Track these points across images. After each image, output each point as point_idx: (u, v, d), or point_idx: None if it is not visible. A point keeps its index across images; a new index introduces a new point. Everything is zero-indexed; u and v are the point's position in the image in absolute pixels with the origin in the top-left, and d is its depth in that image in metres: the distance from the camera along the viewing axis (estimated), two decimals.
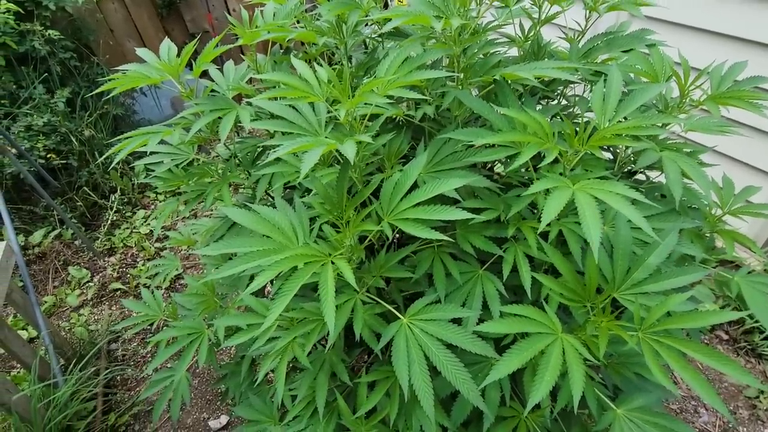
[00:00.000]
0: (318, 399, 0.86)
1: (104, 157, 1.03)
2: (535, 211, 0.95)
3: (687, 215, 1.03)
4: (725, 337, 2.07)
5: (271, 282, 1.36)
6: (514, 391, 0.92)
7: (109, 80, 1.01)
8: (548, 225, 0.89)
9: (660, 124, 0.85)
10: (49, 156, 2.85)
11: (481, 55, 1.05)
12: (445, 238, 0.70)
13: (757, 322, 1.97)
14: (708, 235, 1.09)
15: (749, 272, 1.01)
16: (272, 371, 1.08)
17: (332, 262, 0.69)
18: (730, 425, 1.79)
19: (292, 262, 0.68)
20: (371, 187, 0.80)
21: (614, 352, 0.91)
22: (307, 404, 0.94)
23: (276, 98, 0.87)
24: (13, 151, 2.51)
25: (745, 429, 1.77)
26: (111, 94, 1.05)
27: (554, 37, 1.24)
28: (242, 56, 1.19)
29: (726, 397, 1.88)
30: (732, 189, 1.10)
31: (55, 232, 2.87)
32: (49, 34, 2.86)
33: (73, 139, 2.97)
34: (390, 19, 0.88)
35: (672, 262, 0.91)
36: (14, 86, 2.88)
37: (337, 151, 0.92)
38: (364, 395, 0.86)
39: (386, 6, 1.12)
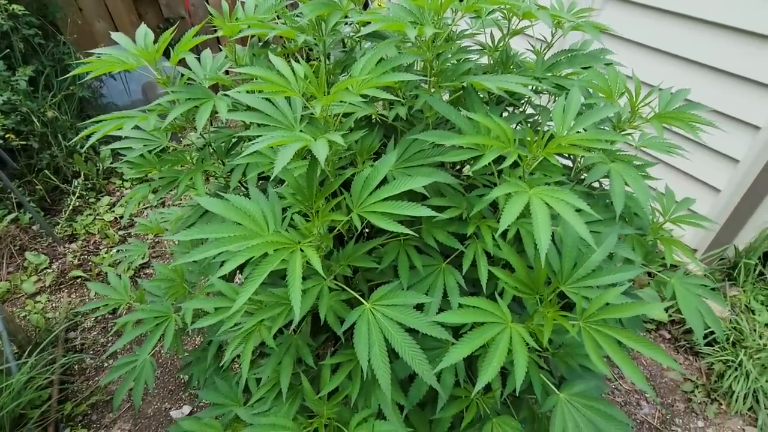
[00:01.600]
0: (282, 380, 0.90)
1: (77, 139, 1.02)
2: (496, 211, 1.02)
3: (632, 221, 1.13)
4: (667, 336, 2.23)
5: (240, 270, 1.38)
6: (468, 376, 0.99)
7: (82, 63, 1.01)
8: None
9: (609, 141, 0.94)
10: (7, 136, 2.73)
11: (455, 61, 1.11)
12: (410, 232, 0.76)
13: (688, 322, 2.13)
14: (651, 240, 1.19)
15: (684, 274, 1.12)
16: (238, 356, 1.11)
17: (301, 250, 0.73)
18: (668, 416, 1.94)
19: (262, 249, 0.71)
20: (341, 180, 0.84)
21: (561, 342, 0.99)
22: (272, 386, 0.97)
23: (253, 91, 0.90)
24: None
25: (680, 420, 1.92)
26: (85, 78, 1.05)
27: (523, 49, 1.32)
28: (220, 47, 1.21)
29: (665, 391, 2.03)
30: (673, 198, 1.21)
31: (12, 215, 2.75)
32: (12, 9, 2.74)
33: (35, 120, 2.85)
34: (369, 23, 0.92)
35: (615, 263, 1.01)
36: None
37: None
38: (327, 377, 0.91)
39: (366, 7, 1.16)
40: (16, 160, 2.87)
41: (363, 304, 0.84)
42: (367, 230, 1.14)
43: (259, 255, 0.72)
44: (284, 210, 0.85)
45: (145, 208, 3.01)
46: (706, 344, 2.08)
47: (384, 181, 0.83)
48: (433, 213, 0.77)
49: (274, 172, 0.67)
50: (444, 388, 0.89)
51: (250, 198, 0.83)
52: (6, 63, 2.82)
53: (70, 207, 2.89)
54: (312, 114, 0.89)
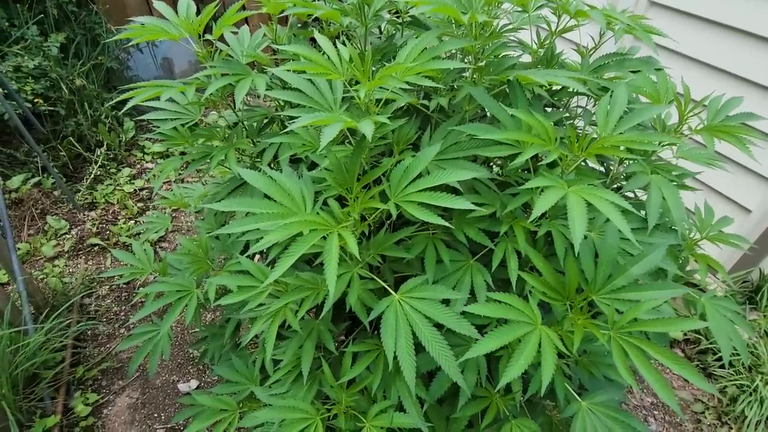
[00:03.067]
0: (303, 364, 0.90)
1: (112, 102, 1.03)
2: (528, 212, 1.00)
3: (666, 234, 1.10)
4: (681, 355, 2.19)
5: (261, 253, 1.38)
6: (489, 376, 0.98)
7: (124, 29, 1.00)
8: (537, 225, 0.95)
9: (656, 142, 0.91)
10: (36, 101, 2.76)
11: (497, 55, 1.08)
12: (445, 223, 0.74)
13: (712, 343, 2.09)
14: (684, 257, 1.16)
15: (714, 296, 1.09)
16: (257, 336, 1.11)
17: (339, 234, 0.72)
18: None
19: (299, 227, 0.70)
20: (382, 169, 0.83)
21: (587, 350, 0.97)
22: (290, 370, 0.97)
23: (293, 70, 0.89)
24: (1, 90, 2.43)
25: None
26: (130, 44, 1.05)
27: (566, 49, 1.29)
28: (260, 24, 1.19)
29: (674, 411, 2.00)
30: (712, 217, 1.18)
31: (35, 179, 2.79)
32: None
33: (63, 87, 2.88)
34: (415, 8, 0.90)
35: (648, 273, 0.98)
36: (6, 23, 2.78)
37: (348, 130, 0.95)
38: (348, 365, 0.90)
39: None
40: (42, 125, 2.90)
41: (392, 294, 0.83)
42: (394, 221, 1.13)
43: (294, 234, 0.71)
44: (317, 194, 0.85)
45: (166, 182, 3.03)
46: (720, 367, 2.04)
47: (419, 174, 0.81)
48: (472, 206, 0.75)
49: (319, 149, 0.65)
50: (467, 385, 0.87)
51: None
52: (39, 28, 2.84)
53: (92, 176, 2.92)
54: (352, 98, 0.88)
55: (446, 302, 0.91)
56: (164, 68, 3.68)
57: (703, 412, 1.97)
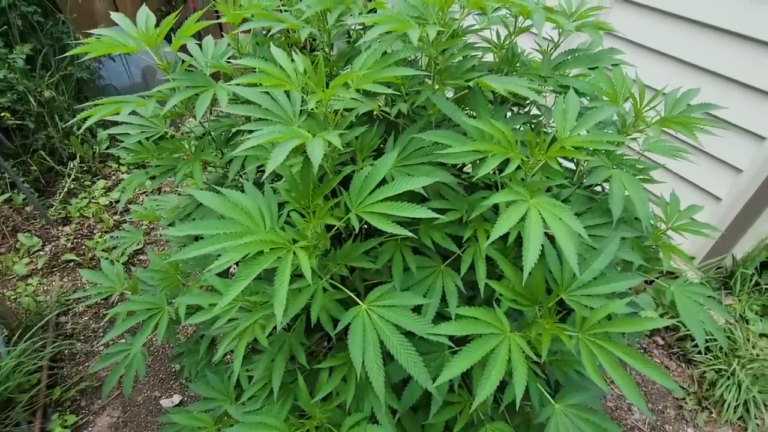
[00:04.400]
0: (274, 380, 0.89)
1: (72, 121, 1.00)
2: (498, 213, 1.01)
3: (632, 226, 1.12)
4: (661, 342, 2.24)
5: (237, 264, 1.35)
6: (463, 380, 0.98)
7: (81, 43, 0.98)
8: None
9: (615, 142, 0.92)
10: (2, 115, 2.68)
11: (461, 57, 1.08)
12: (408, 233, 0.74)
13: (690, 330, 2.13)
14: (653, 248, 1.17)
15: (685, 283, 1.11)
16: (231, 351, 1.09)
17: (294, 253, 0.71)
18: (658, 422, 1.94)
19: (256, 247, 0.69)
20: (338, 178, 0.82)
21: (558, 350, 0.98)
22: (264, 385, 0.96)
23: (250, 84, 0.88)
24: None
25: (671, 427, 1.93)
26: (84, 59, 1.02)
27: (529, 48, 1.30)
28: (222, 33, 1.17)
29: (657, 398, 2.03)
30: (678, 206, 1.19)
31: (5, 195, 2.72)
32: None
33: (32, 99, 2.81)
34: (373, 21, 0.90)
35: (613, 267, 0.99)
36: None
37: None
38: (324, 380, 0.89)
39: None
40: (11, 139, 2.82)
41: (359, 304, 0.83)
42: (365, 227, 1.12)
43: (254, 253, 0.70)
44: (282, 206, 0.83)
45: (142, 194, 2.98)
46: (699, 353, 2.08)
47: (383, 181, 0.81)
48: (433, 215, 0.75)
49: (267, 170, 0.64)
50: (439, 392, 0.87)
51: (245, 192, 0.81)
52: (3, 40, 2.76)
53: (65, 189, 2.85)
54: (312, 108, 0.87)
55: (419, 309, 0.91)
56: (147, 76, 3.61)
57: (684, 398, 2.01)
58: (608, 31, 1.08)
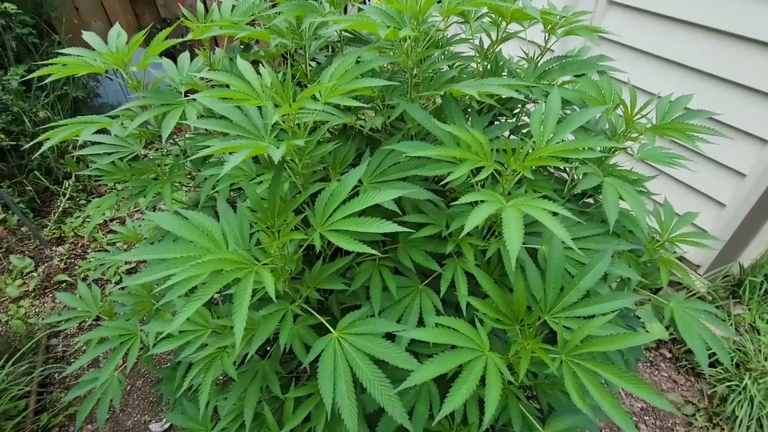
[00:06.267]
0: (246, 412, 0.83)
1: (33, 142, 0.97)
2: (479, 230, 0.95)
3: (626, 239, 1.06)
4: (668, 355, 2.15)
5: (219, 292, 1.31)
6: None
7: (46, 65, 0.95)
8: (486, 242, 0.90)
9: (599, 148, 0.87)
10: None
11: (446, 67, 1.04)
12: (372, 251, 0.68)
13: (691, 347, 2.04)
14: (648, 261, 1.11)
15: (687, 297, 1.05)
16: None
17: (256, 272, 0.66)
18: None
19: (212, 267, 0.65)
20: (304, 195, 0.78)
21: (540, 373, 0.92)
22: (237, 416, 0.90)
23: (217, 98, 0.84)
24: None
25: None
26: (46, 80, 0.99)
27: (516, 57, 1.25)
28: (196, 50, 1.15)
29: (665, 415, 1.94)
30: (672, 215, 1.13)
31: (0, 216, 2.71)
32: (5, 7, 2.71)
33: (27, 120, 2.81)
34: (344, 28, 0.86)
35: (608, 284, 0.93)
36: None
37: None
38: (290, 410, 0.84)
39: (346, 10, 1.10)
40: (6, 160, 2.83)
41: (330, 332, 0.77)
42: (338, 248, 1.07)
43: (210, 274, 0.66)
44: (254, 225, 0.79)
45: (137, 211, 2.96)
46: (708, 366, 1.99)
47: (354, 197, 0.76)
48: (402, 229, 0.70)
49: (221, 174, 0.60)
50: (417, 421, 0.82)
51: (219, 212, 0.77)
52: None
53: (60, 209, 2.84)
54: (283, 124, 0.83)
55: (392, 334, 0.85)
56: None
57: (694, 414, 1.92)
58: (603, 36, 1.03)
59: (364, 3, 3.39)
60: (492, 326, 0.79)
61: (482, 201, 0.71)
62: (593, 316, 0.80)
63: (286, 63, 1.32)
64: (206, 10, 1.14)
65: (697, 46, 1.94)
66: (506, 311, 0.79)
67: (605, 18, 2.25)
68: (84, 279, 2.46)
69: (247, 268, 0.67)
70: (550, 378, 0.92)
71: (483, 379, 0.72)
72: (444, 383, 0.80)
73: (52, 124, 0.95)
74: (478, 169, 0.79)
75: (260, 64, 0.92)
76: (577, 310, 0.79)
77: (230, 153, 0.67)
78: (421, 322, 0.86)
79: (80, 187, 3.03)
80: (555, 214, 0.68)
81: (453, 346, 0.73)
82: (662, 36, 2.05)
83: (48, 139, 0.92)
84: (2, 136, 2.72)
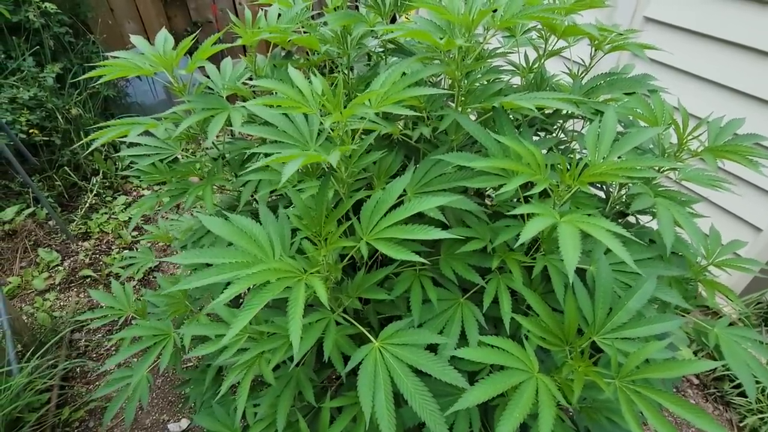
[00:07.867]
0: (279, 419, 0.83)
1: (83, 141, 0.99)
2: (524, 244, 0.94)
3: (671, 262, 1.03)
4: (696, 381, 2.08)
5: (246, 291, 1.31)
6: (484, 426, 0.90)
7: (100, 66, 0.97)
8: (533, 258, 0.88)
9: (655, 168, 0.85)
10: (31, 131, 2.76)
11: (485, 81, 1.04)
12: (421, 259, 0.67)
13: (728, 370, 1.98)
14: (692, 284, 1.08)
15: (729, 324, 1.01)
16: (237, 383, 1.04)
17: (306, 283, 0.66)
18: None
19: (264, 277, 0.64)
20: (350, 203, 0.78)
21: (588, 397, 0.89)
22: (269, 423, 0.90)
23: (266, 105, 0.85)
24: None
25: None
26: (99, 81, 1.01)
27: (558, 71, 1.24)
28: (240, 56, 1.16)
29: None
30: (719, 241, 1.11)
31: (29, 210, 2.77)
32: (45, 7, 2.79)
33: (59, 117, 2.88)
34: (389, 32, 0.86)
35: (650, 306, 0.91)
36: (3, 56, 2.80)
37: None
38: (327, 420, 0.83)
39: (393, 21, 1.11)
40: (37, 155, 2.89)
41: (371, 342, 0.76)
42: (381, 257, 1.06)
43: (261, 282, 0.66)
44: (294, 232, 0.79)
45: (161, 212, 3.00)
46: (739, 395, 1.92)
47: (399, 205, 0.76)
48: (450, 235, 0.69)
49: (279, 185, 0.60)
50: None
51: (260, 216, 0.77)
52: (35, 59, 2.86)
53: (87, 204, 2.89)
54: (330, 132, 0.83)
55: (433, 347, 0.84)
56: (172, 95, 3.69)
57: None
58: (638, 56, 1.02)
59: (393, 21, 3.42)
60: (537, 345, 0.77)
61: (535, 214, 0.70)
62: (637, 338, 0.78)
63: (325, 71, 1.33)
64: (236, 15, 1.15)
65: (738, 67, 1.90)
66: (555, 330, 0.77)
67: (642, 35, 2.23)
68: (116, 277, 2.49)
69: (296, 276, 0.66)
70: (594, 401, 0.89)
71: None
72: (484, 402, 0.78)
73: (101, 124, 0.97)
74: (527, 183, 0.77)
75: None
76: (626, 332, 0.77)
77: (287, 162, 0.67)
78: (462, 336, 0.84)
79: (107, 184, 3.09)
80: (615, 233, 0.66)
81: (500, 367, 0.72)
82: (700, 54, 2.01)
83: (95, 139, 0.93)
84: (36, 131, 2.79)
